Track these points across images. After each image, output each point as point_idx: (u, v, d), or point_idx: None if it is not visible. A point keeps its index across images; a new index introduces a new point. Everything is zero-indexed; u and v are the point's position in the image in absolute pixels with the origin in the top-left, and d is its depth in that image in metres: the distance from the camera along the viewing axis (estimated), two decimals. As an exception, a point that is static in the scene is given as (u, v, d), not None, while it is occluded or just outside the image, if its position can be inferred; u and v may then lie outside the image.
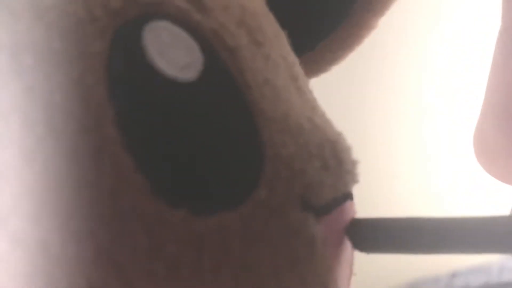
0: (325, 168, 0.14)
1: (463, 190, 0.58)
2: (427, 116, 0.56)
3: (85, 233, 0.11)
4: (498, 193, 0.50)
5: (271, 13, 0.17)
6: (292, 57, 0.17)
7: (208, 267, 0.12)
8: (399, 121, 0.56)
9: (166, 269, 0.11)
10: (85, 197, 0.11)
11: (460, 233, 0.14)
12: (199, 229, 0.12)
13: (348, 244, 0.15)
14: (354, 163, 0.15)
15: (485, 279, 0.56)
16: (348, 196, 0.15)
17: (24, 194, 0.11)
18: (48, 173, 0.11)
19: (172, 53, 0.13)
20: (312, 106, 0.16)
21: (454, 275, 0.57)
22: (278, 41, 0.16)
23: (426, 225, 0.14)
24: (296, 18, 0.19)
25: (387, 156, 0.56)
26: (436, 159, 0.57)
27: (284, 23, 0.17)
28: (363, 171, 0.15)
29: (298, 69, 0.17)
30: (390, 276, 0.57)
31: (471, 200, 0.58)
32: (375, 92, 0.54)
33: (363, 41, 0.22)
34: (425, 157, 0.58)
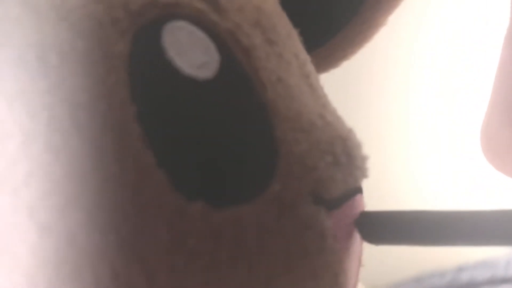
0: (336, 164, 0.14)
1: (471, 185, 0.58)
2: (437, 111, 0.57)
3: (109, 226, 0.11)
4: (509, 188, 0.50)
5: (284, 11, 0.17)
6: (304, 55, 0.17)
7: (224, 259, 0.13)
8: (408, 116, 0.56)
9: (185, 260, 0.12)
10: (109, 191, 0.11)
11: (469, 225, 0.14)
12: (216, 222, 0.12)
13: (357, 236, 0.15)
14: (364, 159, 0.16)
15: (491, 273, 0.56)
16: (358, 190, 0.15)
17: (51, 188, 0.11)
18: (74, 168, 0.11)
19: (190, 52, 0.13)
20: (323, 103, 0.16)
21: (460, 269, 0.57)
22: (291, 40, 0.16)
23: (434, 217, 0.14)
24: (307, 16, 0.20)
25: (395, 150, 0.56)
26: (445, 155, 0.58)
27: (295, 20, 0.18)
28: (372, 165, 0.16)
29: (310, 67, 0.17)
30: (396, 270, 0.57)
31: (479, 195, 0.58)
32: (383, 88, 0.55)
33: (372, 38, 0.22)
34: (433, 153, 0.58)
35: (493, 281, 0.56)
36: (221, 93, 0.14)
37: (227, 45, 0.14)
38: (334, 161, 0.14)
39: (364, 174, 0.15)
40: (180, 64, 0.13)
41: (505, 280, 0.55)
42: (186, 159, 0.13)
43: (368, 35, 0.22)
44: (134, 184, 0.12)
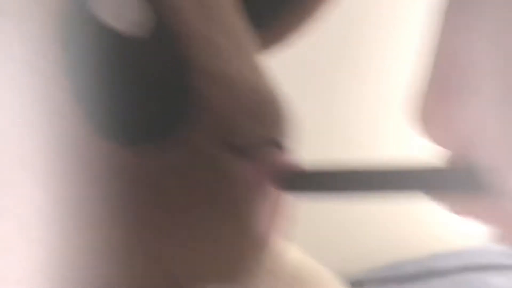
0: (252, 117, 0.15)
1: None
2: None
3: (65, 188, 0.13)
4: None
5: None
6: (242, 25, 0.18)
7: (143, 200, 0.14)
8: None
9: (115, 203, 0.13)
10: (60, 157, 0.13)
11: (385, 174, 0.14)
12: (126, 158, 0.14)
13: (275, 189, 0.16)
14: (282, 116, 0.17)
15: (465, 261, 0.57)
16: (276, 145, 0.16)
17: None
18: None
19: (122, 11, 0.14)
20: (253, 69, 0.17)
21: (434, 257, 0.58)
22: (230, 8, 0.17)
23: (353, 169, 0.15)
24: None
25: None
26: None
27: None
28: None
29: (247, 36, 0.18)
30: (370, 258, 0.57)
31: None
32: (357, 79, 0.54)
33: (319, 16, 0.23)
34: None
35: (466, 269, 0.56)
36: (149, 49, 0.15)
37: (159, 5, 0.15)
38: (250, 114, 0.15)
39: (281, 130, 0.17)
40: (111, 22, 0.14)
41: (479, 268, 0.56)
42: (110, 106, 0.14)
43: (315, 12, 0.23)
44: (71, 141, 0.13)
